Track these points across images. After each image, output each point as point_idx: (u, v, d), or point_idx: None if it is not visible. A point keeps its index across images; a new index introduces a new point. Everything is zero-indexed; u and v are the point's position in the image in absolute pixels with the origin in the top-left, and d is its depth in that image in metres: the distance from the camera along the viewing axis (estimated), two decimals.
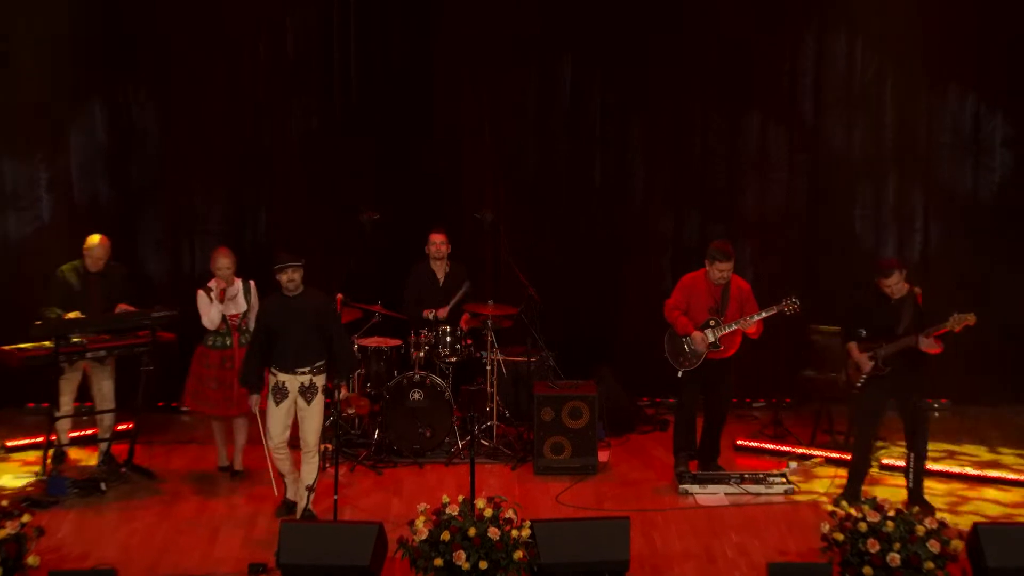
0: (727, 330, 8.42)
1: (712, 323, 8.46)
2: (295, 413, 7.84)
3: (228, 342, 8.45)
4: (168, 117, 10.29)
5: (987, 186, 10.42)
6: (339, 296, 8.69)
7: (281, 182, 10.49)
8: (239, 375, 8.04)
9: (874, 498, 7.14)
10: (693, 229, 10.53)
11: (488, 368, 9.40)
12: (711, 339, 8.44)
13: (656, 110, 10.48)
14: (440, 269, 9.67)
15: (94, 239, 8.75)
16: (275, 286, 7.85)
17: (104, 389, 8.85)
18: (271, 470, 7.99)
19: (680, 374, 8.60)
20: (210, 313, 8.42)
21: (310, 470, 7.88)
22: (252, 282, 8.57)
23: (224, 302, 8.43)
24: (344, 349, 7.95)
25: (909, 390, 7.97)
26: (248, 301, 8.52)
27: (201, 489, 8.58)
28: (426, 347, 9.29)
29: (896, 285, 7.94)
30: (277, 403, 7.79)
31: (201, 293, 8.43)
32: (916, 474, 7.96)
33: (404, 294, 9.69)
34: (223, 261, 8.46)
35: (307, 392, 7.78)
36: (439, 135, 10.48)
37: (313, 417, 7.84)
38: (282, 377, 7.76)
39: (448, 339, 9.33)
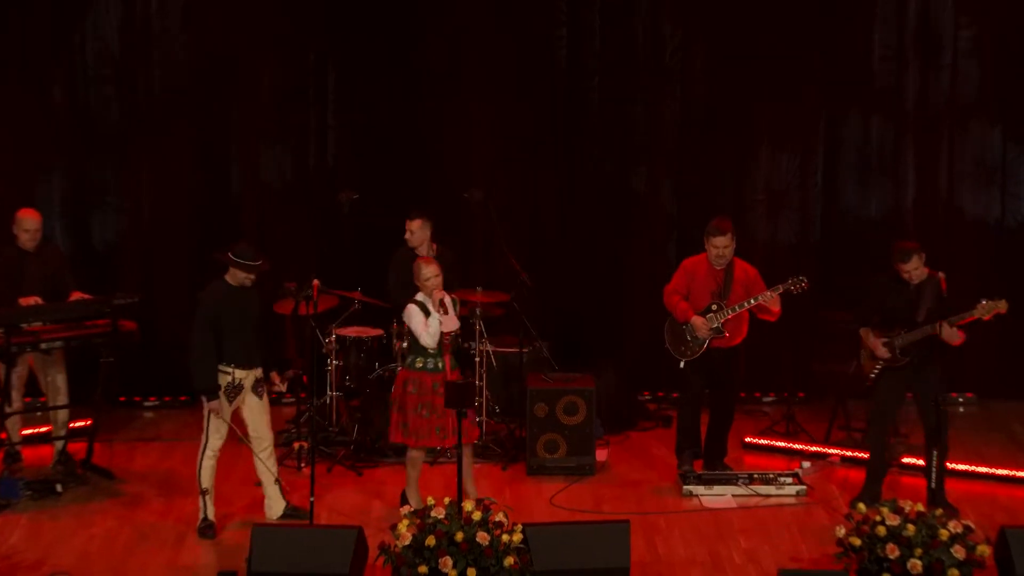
0: (730, 314, 8.40)
1: (714, 307, 8.45)
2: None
3: (440, 364, 7.89)
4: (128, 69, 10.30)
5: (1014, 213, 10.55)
6: (315, 282, 8.65)
7: (251, 159, 10.46)
8: (195, 380, 7.66)
9: (894, 500, 7.13)
10: (699, 209, 10.50)
11: (477, 360, 9.38)
12: (713, 324, 8.42)
13: (661, 78, 10.49)
14: (424, 254, 9.61)
15: (25, 212, 8.67)
16: (216, 271, 7.69)
17: (57, 383, 8.80)
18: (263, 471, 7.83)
19: (682, 364, 8.59)
20: (430, 328, 7.82)
21: (273, 464, 7.87)
22: (456, 296, 8.12)
23: (440, 319, 7.90)
24: (268, 338, 7.97)
25: (928, 383, 7.96)
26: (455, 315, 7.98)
27: (166, 491, 8.54)
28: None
29: (915, 270, 7.93)
30: (231, 402, 7.67)
31: (413, 307, 7.84)
32: (938, 474, 7.94)
33: (387, 281, 9.66)
34: (429, 270, 7.91)
35: (259, 386, 7.78)
36: (424, 108, 10.45)
37: (266, 411, 7.85)
38: (239, 374, 7.65)
39: None
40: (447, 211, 10.18)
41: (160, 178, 10.42)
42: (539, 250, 10.53)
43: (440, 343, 7.89)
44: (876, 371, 8.15)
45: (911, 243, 8.12)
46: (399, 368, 8.00)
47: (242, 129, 10.43)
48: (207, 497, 7.77)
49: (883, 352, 8.07)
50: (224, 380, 7.64)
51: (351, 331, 9.47)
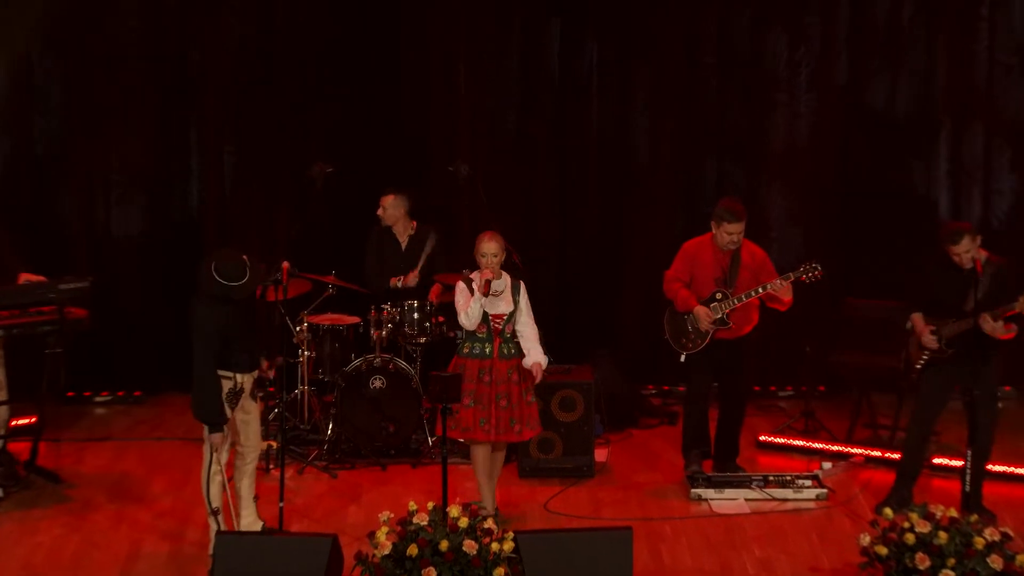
0: (736, 304, 8.37)
1: (719, 296, 8.43)
2: None
3: (488, 350, 7.86)
4: (77, 46, 10.26)
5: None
6: (285, 265, 8.62)
7: (213, 128, 10.43)
8: (204, 413, 7.40)
9: (924, 505, 7.12)
10: (709, 186, 10.50)
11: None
12: (717, 315, 8.39)
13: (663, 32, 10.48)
14: (402, 232, 9.62)
15: None
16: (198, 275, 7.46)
17: None
18: (231, 500, 7.64)
19: (683, 358, 8.58)
20: (470, 309, 7.80)
21: (253, 480, 7.78)
22: (522, 282, 8.03)
23: (488, 296, 7.87)
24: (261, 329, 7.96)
25: (973, 378, 7.93)
26: (517, 302, 7.92)
27: (118, 495, 8.52)
28: (389, 325, 9.26)
29: (966, 253, 7.87)
30: (232, 408, 7.54)
31: (461, 285, 7.87)
32: (975, 476, 7.94)
33: (364, 263, 9.64)
34: (490, 245, 7.83)
35: (256, 387, 7.68)
36: (405, 69, 10.47)
37: (259, 418, 7.76)
38: (240, 378, 7.56)
39: (415, 316, 9.29)
40: (430, 186, 10.15)
41: (112, 148, 10.41)
42: (532, 228, 10.53)
43: (488, 327, 7.88)
44: (922, 362, 8.12)
45: (963, 223, 8.10)
46: (455, 356, 8.05)
47: (207, 97, 10.43)
48: (219, 518, 7.53)
49: (930, 341, 8.04)
50: (226, 386, 7.48)
51: (325, 319, 9.47)
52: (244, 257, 7.32)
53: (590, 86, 10.54)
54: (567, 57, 10.52)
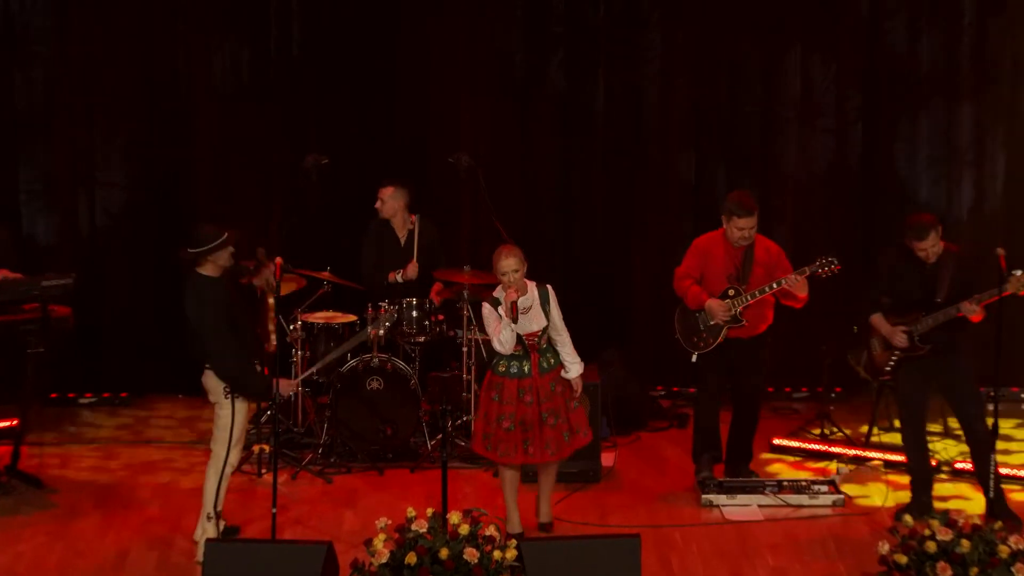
0: (749, 300, 8.35)
1: (731, 293, 8.41)
2: None
3: (526, 368, 7.69)
4: (64, 39, 10.27)
5: None
6: (278, 260, 8.59)
7: (203, 119, 10.45)
8: (250, 389, 7.51)
9: (945, 511, 7.10)
10: (722, 176, 10.48)
11: (464, 350, 9.36)
12: (731, 312, 8.36)
13: (677, 28, 10.46)
14: (401, 227, 9.60)
15: None
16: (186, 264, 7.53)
17: None
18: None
19: (695, 358, 8.56)
20: (502, 336, 7.59)
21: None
22: (550, 287, 7.81)
23: (519, 319, 7.60)
24: None
25: (956, 374, 7.98)
26: (547, 313, 7.68)
27: (104, 502, 8.51)
28: (387, 324, 9.22)
29: (932, 248, 7.90)
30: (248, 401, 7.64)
31: (488, 308, 7.64)
32: (995, 479, 7.91)
33: (360, 258, 9.62)
34: (507, 262, 7.56)
35: None
36: (402, 59, 10.44)
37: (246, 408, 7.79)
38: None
39: (414, 314, 9.27)
40: (429, 179, 10.14)
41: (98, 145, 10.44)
42: (536, 223, 10.51)
43: (524, 345, 7.69)
44: (892, 363, 8.12)
45: (926, 216, 8.04)
46: (488, 371, 7.87)
47: (199, 89, 10.43)
48: (215, 522, 7.57)
49: (901, 340, 8.02)
50: None
51: (320, 317, 9.46)
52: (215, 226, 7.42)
53: (598, 52, 10.51)
54: (574, 21, 10.49)
